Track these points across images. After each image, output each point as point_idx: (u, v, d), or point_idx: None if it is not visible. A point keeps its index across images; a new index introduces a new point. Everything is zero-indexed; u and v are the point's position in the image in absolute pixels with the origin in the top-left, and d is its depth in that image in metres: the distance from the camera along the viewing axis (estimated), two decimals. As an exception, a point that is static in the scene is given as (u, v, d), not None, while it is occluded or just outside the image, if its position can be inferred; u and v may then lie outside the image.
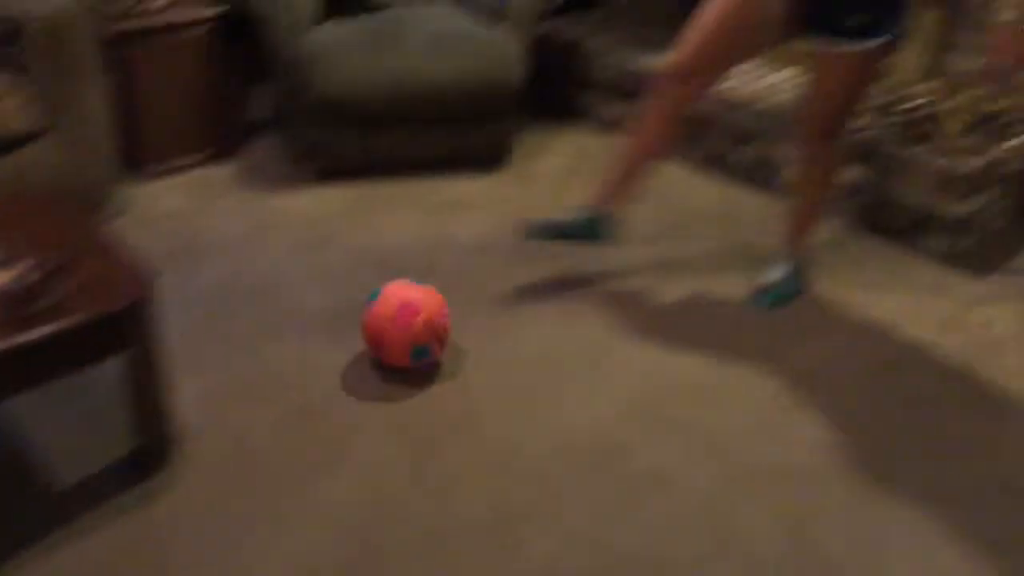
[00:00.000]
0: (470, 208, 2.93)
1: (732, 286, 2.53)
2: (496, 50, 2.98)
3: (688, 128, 3.05)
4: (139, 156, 2.96)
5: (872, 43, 2.06)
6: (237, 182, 3.04)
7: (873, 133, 2.66)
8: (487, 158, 3.17)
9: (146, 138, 2.95)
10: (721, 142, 3.05)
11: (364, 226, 2.80)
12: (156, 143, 2.97)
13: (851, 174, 2.72)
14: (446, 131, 3.06)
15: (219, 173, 3.08)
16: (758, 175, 2.99)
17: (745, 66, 3.09)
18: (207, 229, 2.76)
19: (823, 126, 2.24)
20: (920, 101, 2.62)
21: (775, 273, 2.49)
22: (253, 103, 3.43)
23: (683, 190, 2.71)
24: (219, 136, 3.11)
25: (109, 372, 1.85)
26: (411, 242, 2.72)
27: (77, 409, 1.99)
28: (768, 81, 3.03)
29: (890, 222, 2.70)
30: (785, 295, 2.46)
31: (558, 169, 3.20)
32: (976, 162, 2.52)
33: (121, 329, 1.67)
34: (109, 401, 1.95)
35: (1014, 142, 2.63)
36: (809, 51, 2.18)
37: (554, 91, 3.56)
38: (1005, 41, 1.95)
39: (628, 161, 2.40)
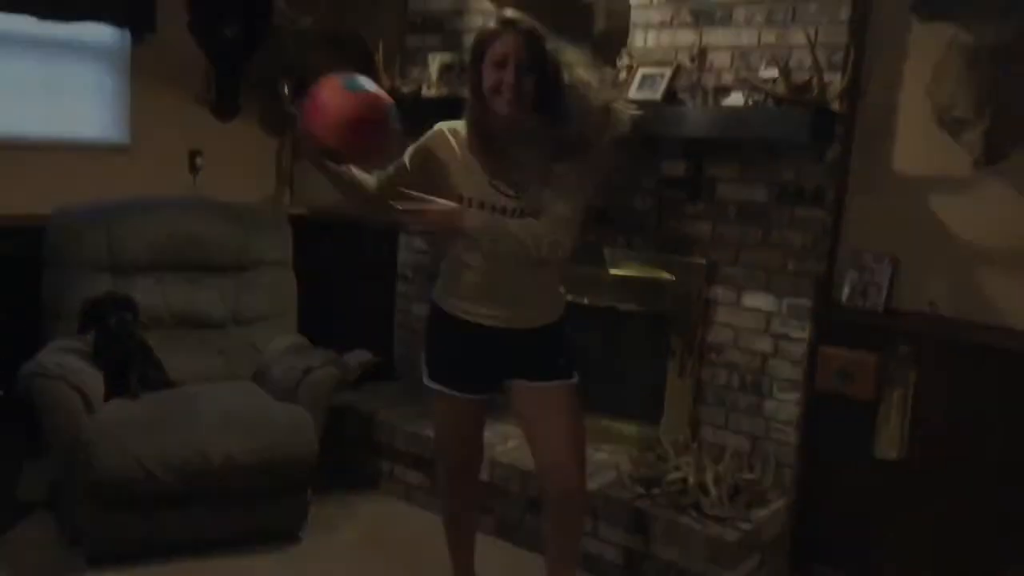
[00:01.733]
0: (260, 590, 2.79)
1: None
2: (290, 425, 3.03)
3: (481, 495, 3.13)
4: None
5: (565, 381, 2.34)
6: (-6, 574, 2.78)
7: (644, 503, 2.83)
8: (281, 532, 3.08)
9: None
10: (513, 510, 3.14)
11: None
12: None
13: (630, 541, 2.85)
14: (237, 507, 2.98)
15: (-25, 564, 2.82)
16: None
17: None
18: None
19: (559, 476, 2.36)
20: (681, 473, 2.85)
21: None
22: (24, 482, 3.23)
23: (478, 561, 2.71)
24: (-20, 521, 2.88)
25: None
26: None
27: None
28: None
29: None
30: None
31: (355, 540, 3.15)
32: (740, 529, 2.71)
33: None
34: None
35: (771, 507, 2.87)
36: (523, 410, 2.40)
37: (351, 460, 3.60)
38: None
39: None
